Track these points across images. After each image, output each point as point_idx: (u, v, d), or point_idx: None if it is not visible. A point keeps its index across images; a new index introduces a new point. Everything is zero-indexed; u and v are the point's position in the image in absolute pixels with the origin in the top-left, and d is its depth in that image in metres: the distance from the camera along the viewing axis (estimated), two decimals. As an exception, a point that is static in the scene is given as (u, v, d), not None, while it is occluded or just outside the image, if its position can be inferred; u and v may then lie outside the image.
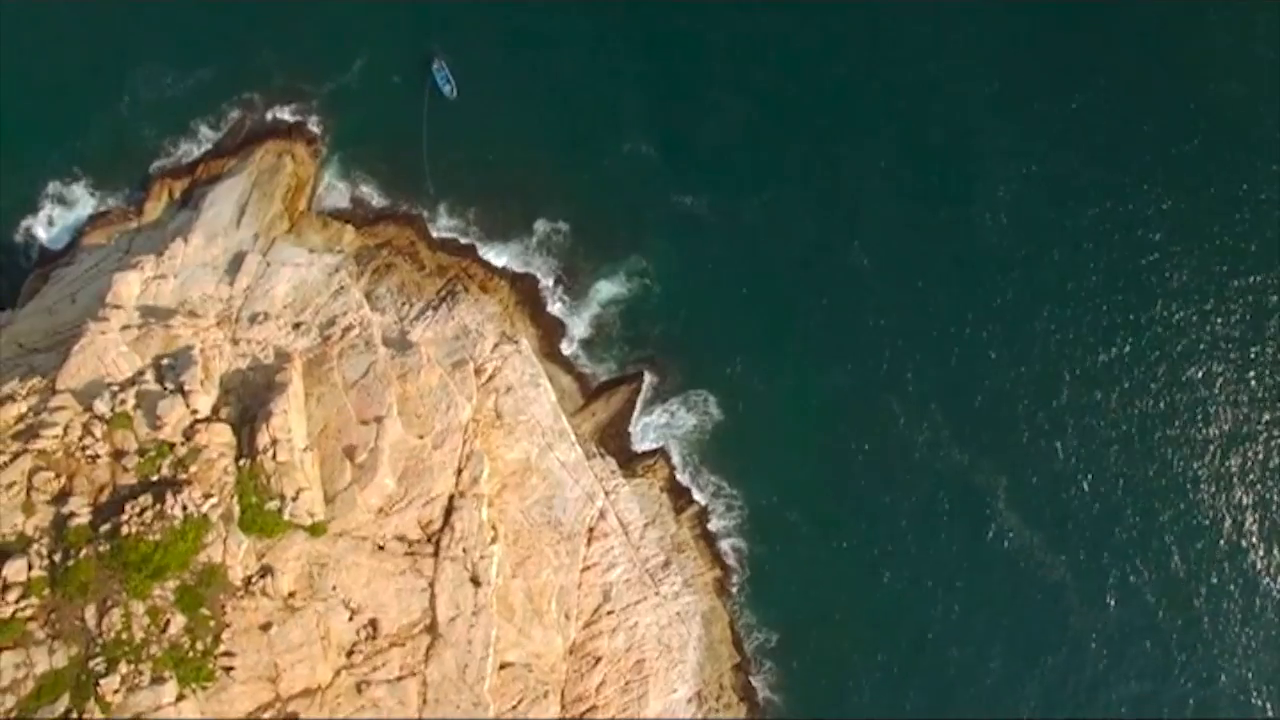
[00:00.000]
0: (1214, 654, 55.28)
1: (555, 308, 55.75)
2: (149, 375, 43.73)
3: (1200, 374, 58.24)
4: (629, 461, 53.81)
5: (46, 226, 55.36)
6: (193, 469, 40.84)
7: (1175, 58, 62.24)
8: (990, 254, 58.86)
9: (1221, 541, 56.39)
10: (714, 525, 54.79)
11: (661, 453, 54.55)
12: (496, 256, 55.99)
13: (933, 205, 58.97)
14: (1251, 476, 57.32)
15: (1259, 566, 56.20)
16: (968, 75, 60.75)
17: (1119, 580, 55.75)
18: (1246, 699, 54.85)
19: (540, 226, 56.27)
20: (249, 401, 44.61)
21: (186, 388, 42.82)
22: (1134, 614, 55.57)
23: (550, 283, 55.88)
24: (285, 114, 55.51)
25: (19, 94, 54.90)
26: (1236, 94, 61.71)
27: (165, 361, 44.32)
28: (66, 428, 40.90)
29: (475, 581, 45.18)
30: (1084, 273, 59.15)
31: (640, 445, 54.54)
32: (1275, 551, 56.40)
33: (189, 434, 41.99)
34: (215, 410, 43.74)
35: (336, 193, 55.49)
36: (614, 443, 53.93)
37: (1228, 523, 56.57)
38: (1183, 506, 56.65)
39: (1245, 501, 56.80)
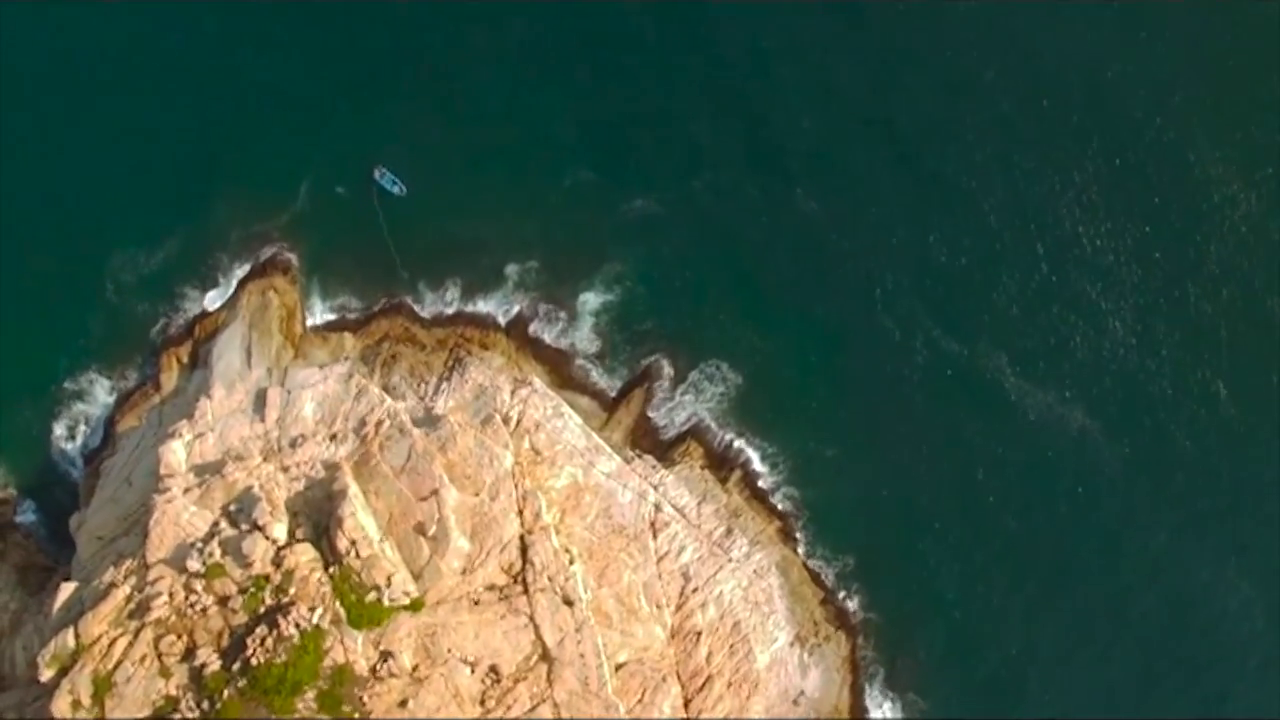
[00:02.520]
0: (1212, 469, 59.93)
1: (552, 338, 59.18)
2: (223, 524, 47.83)
3: (1150, 222, 62.27)
4: (665, 452, 57.59)
5: (78, 427, 58.95)
6: (292, 590, 44.97)
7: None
8: (924, 162, 62.95)
9: (1208, 366, 60.69)
10: (762, 483, 58.55)
11: (691, 433, 58.16)
12: (485, 312, 59.55)
13: (855, 137, 62.80)
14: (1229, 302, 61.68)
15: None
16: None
17: (1132, 414, 59.84)
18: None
19: (513, 271, 59.80)
20: (317, 516, 48.68)
21: (260, 523, 46.90)
22: (1154, 440, 59.84)
23: (540, 318, 59.36)
24: (257, 254, 59.11)
25: (10, 313, 58.60)
26: None
27: (233, 507, 48.39)
28: (171, 593, 45.06)
29: (568, 602, 49.30)
30: (1013, 151, 62.98)
31: (672, 432, 58.19)
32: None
33: (277, 561, 46.13)
34: (292, 534, 47.83)
35: (325, 308, 59.11)
36: (646, 440, 57.74)
37: (1210, 346, 61.00)
38: (1161, 329, 61.00)
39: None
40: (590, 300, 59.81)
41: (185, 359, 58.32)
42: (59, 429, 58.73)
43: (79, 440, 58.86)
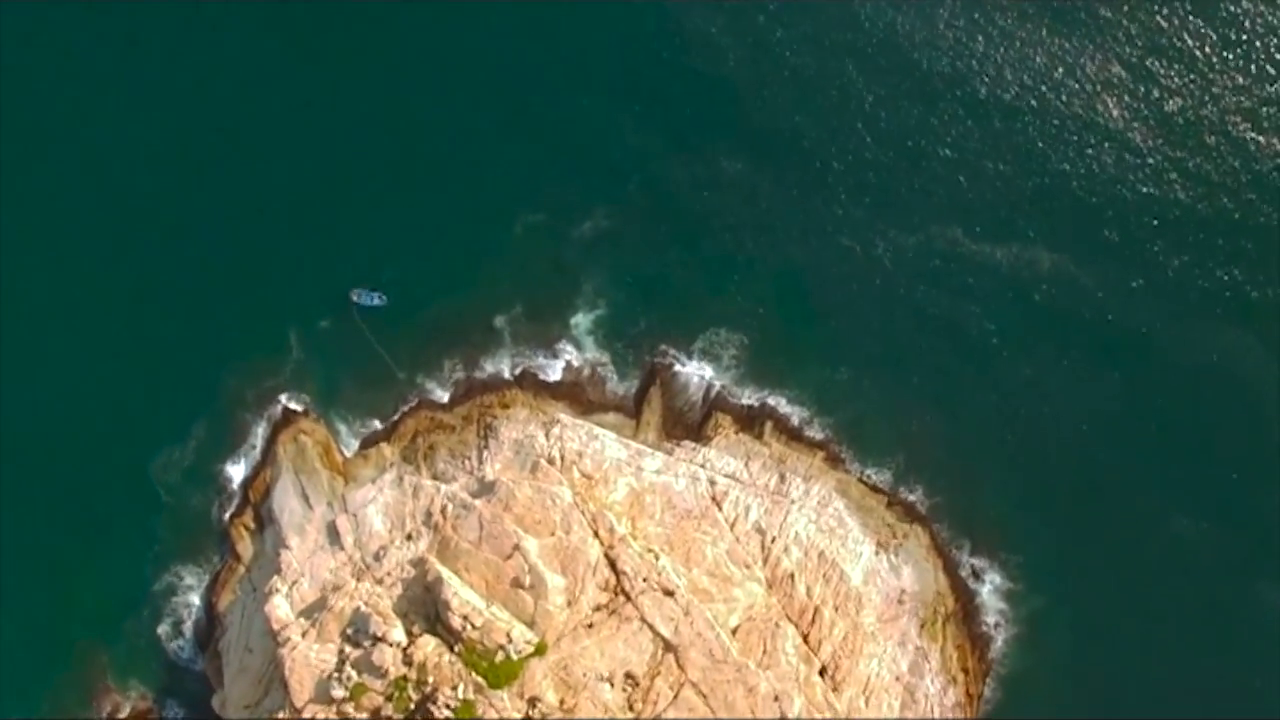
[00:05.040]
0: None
1: (561, 371, 63.03)
2: (347, 648, 52.04)
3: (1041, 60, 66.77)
4: (698, 432, 61.53)
5: (183, 623, 62.87)
6: (431, 679, 49.16)
7: None
8: (816, 98, 67.00)
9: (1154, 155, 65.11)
10: (794, 423, 62.38)
11: (715, 406, 61.88)
12: (491, 374, 63.41)
13: (752, 95, 66.91)
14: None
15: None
16: None
17: (1092, 231, 64.11)
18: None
19: (502, 325, 63.72)
20: (424, 608, 52.87)
21: (379, 634, 51.04)
22: (1123, 246, 64.18)
23: (542, 359, 63.26)
24: (275, 410, 63.18)
25: (84, 550, 62.83)
26: None
27: (349, 630, 52.56)
28: (329, 724, 49.19)
29: (669, 593, 53.36)
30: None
31: (697, 413, 61.95)
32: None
33: (408, 660, 50.33)
34: (409, 632, 52.03)
35: (352, 431, 63.26)
36: (678, 429, 61.68)
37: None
38: (1093, 140, 65.52)
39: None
40: (581, 321, 63.68)
41: (252, 525, 62.23)
42: (164, 629, 62.57)
43: (188, 633, 62.60)
